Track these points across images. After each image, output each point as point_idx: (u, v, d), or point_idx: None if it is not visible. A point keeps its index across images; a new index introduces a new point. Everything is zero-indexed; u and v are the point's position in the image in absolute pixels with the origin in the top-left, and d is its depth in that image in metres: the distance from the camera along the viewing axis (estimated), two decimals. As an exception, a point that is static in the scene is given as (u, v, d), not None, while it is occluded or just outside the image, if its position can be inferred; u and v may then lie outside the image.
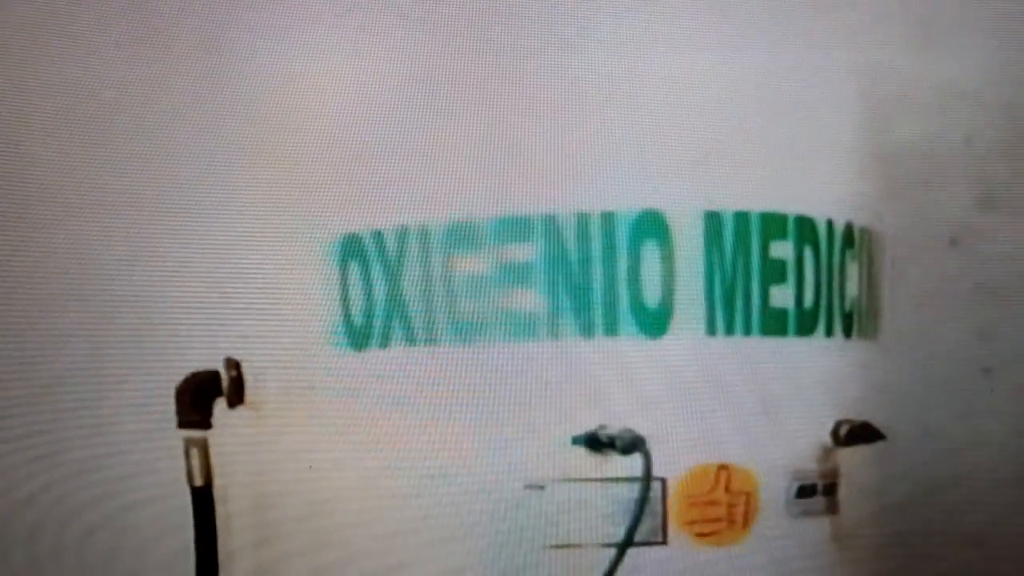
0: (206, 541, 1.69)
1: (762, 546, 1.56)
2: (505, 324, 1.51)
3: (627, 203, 1.49)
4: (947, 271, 1.78)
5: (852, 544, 1.61)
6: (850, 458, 1.60)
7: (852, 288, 1.62)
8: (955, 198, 1.82)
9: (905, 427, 1.61)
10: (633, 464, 1.51)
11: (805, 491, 1.57)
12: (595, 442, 1.51)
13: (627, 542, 1.51)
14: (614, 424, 1.51)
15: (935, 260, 1.78)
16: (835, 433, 1.57)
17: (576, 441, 1.51)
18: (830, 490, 1.60)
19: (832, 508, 1.60)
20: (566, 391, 1.52)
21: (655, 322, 1.51)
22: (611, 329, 1.51)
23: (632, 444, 1.49)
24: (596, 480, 1.52)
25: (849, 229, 1.61)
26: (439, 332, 1.53)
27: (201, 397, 1.68)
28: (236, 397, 1.67)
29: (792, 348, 1.56)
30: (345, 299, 1.58)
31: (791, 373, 1.56)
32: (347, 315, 1.58)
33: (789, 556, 1.58)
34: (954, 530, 1.65)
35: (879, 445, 1.59)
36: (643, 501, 1.51)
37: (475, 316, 1.51)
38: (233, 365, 1.66)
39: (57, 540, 1.68)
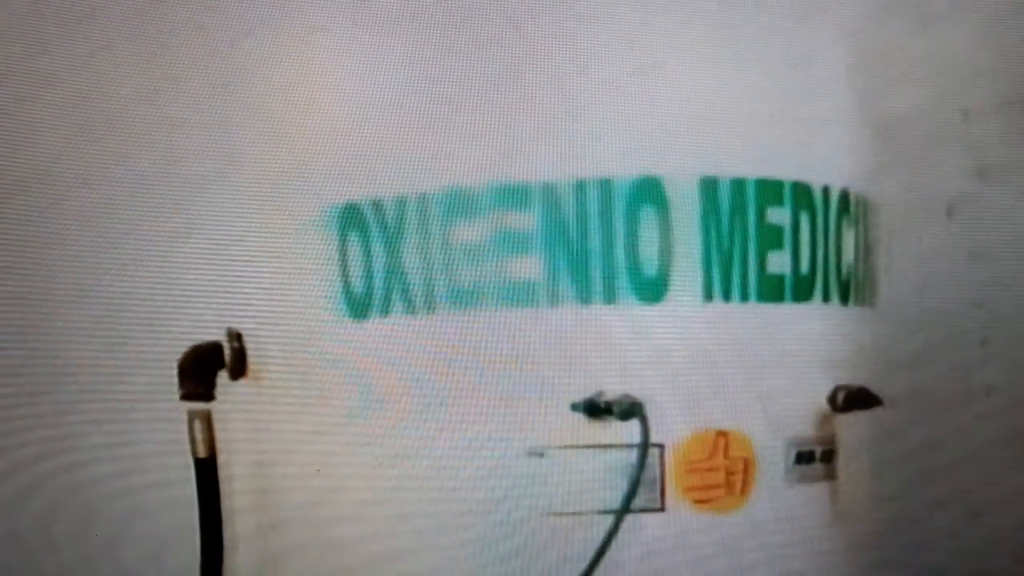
0: (210, 512, 1.69)
1: (760, 512, 1.57)
2: (503, 291, 1.52)
3: (624, 170, 1.49)
4: (943, 240, 1.79)
5: (850, 509, 1.62)
6: (848, 424, 1.61)
7: (848, 255, 1.63)
8: (951, 168, 1.82)
9: (902, 391, 1.62)
10: (631, 430, 1.52)
11: (803, 457, 1.58)
12: (593, 408, 1.51)
13: (625, 509, 1.52)
14: (612, 390, 1.51)
15: (931, 229, 1.78)
16: (832, 399, 1.58)
17: (574, 407, 1.52)
18: (828, 456, 1.60)
19: (830, 474, 1.60)
20: (564, 358, 1.52)
21: (652, 288, 1.52)
22: (609, 296, 1.51)
23: (630, 410, 1.49)
24: (594, 447, 1.53)
25: (845, 196, 1.62)
26: (438, 300, 1.54)
27: (203, 369, 1.68)
28: (238, 368, 1.67)
29: (789, 314, 1.57)
30: (345, 269, 1.59)
31: (788, 339, 1.57)
32: (347, 285, 1.59)
33: (787, 522, 1.59)
34: (949, 493, 1.66)
35: (876, 410, 1.60)
36: (641, 467, 1.51)
37: (474, 284, 1.52)
38: (235, 336, 1.66)
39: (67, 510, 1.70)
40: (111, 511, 1.71)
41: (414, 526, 1.58)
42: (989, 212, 1.81)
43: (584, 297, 1.51)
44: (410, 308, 1.55)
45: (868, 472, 1.64)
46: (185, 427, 1.67)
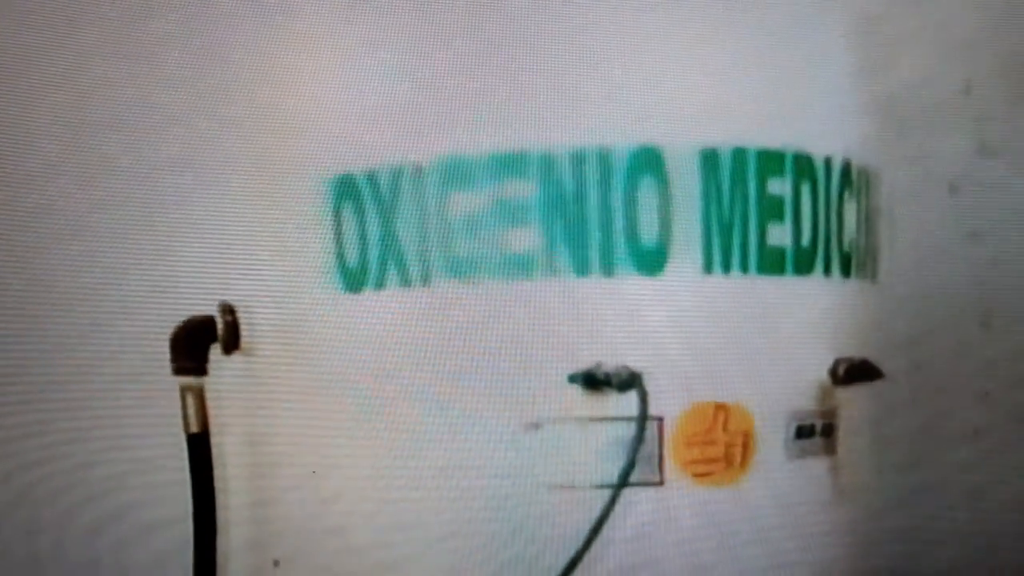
0: (203, 487, 1.68)
1: (760, 486, 1.56)
2: (501, 263, 1.50)
3: (624, 140, 1.48)
4: (946, 217, 1.77)
5: (850, 484, 1.61)
6: (848, 398, 1.59)
7: (850, 227, 1.61)
8: (955, 145, 1.81)
9: (903, 366, 1.60)
10: (630, 403, 1.50)
11: (803, 431, 1.56)
12: (591, 380, 1.49)
13: (623, 482, 1.50)
14: (610, 362, 1.49)
15: (934, 205, 1.77)
16: (834, 372, 1.56)
17: (572, 379, 1.50)
18: (828, 431, 1.59)
19: (830, 448, 1.59)
20: (562, 329, 1.51)
21: (652, 259, 1.50)
22: (608, 267, 1.50)
23: (628, 381, 1.48)
24: (593, 419, 1.51)
25: (847, 168, 1.60)
26: (434, 272, 1.52)
27: (196, 343, 1.67)
28: (231, 343, 1.66)
29: (790, 287, 1.55)
30: (339, 241, 1.57)
31: (789, 312, 1.55)
32: (341, 257, 1.57)
33: (787, 496, 1.57)
34: (949, 471, 1.64)
35: (877, 384, 1.58)
36: (639, 439, 1.50)
37: (471, 255, 1.50)
38: (228, 310, 1.65)
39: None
40: (102, 491, 1.70)
41: (410, 499, 1.57)
42: (992, 190, 1.79)
43: (582, 269, 1.49)
44: (405, 280, 1.54)
45: (868, 447, 1.62)
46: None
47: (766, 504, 1.57)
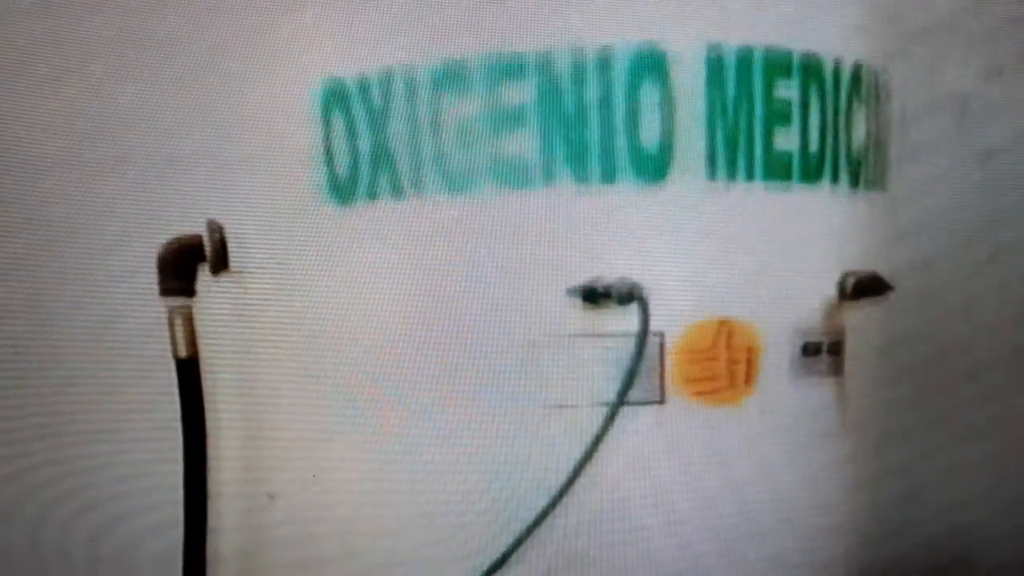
0: (192, 413, 1.63)
1: (764, 406, 1.51)
2: (497, 172, 1.44)
3: (625, 39, 1.41)
4: (956, 133, 1.72)
5: (856, 404, 1.55)
6: (856, 315, 1.54)
7: (859, 135, 1.55)
8: (966, 63, 1.75)
9: (912, 281, 1.54)
10: (631, 319, 1.45)
11: (809, 349, 1.51)
12: (591, 294, 1.44)
13: (621, 399, 1.45)
14: (610, 275, 1.44)
15: (944, 121, 1.71)
16: (841, 286, 1.50)
17: (571, 293, 1.44)
18: (835, 348, 1.53)
19: (837, 368, 1.53)
20: (561, 241, 1.45)
21: (654, 167, 1.44)
22: (608, 175, 1.44)
23: (629, 293, 1.42)
24: (593, 336, 1.46)
25: (857, 72, 1.54)
26: (428, 183, 1.46)
27: (183, 263, 1.62)
28: (220, 262, 1.60)
29: (796, 196, 1.49)
30: (329, 152, 1.51)
31: (796, 223, 1.50)
32: (331, 169, 1.51)
33: (792, 417, 1.52)
34: (954, 404, 1.59)
35: (886, 303, 1.53)
36: (639, 354, 1.44)
37: (465, 164, 1.44)
38: (216, 228, 1.59)
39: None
40: (92, 424, 1.64)
41: (407, 425, 1.52)
42: (1002, 110, 1.74)
43: (581, 177, 1.43)
44: (397, 191, 1.48)
45: (875, 366, 1.57)
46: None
47: (770, 424, 1.51)
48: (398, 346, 1.50)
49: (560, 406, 1.48)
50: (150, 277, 1.59)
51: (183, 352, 1.62)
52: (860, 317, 1.54)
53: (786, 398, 1.51)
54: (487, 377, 1.48)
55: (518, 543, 1.45)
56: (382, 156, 1.47)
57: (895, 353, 1.57)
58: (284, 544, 1.62)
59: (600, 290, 1.43)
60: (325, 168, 1.51)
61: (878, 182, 1.59)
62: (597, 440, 1.46)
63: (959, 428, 1.66)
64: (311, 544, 1.60)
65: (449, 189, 1.45)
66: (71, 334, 1.63)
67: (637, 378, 1.46)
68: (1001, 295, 1.69)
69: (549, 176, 1.44)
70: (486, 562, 1.45)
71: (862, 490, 1.55)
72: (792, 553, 1.51)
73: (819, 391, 1.53)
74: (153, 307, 1.60)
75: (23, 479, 1.63)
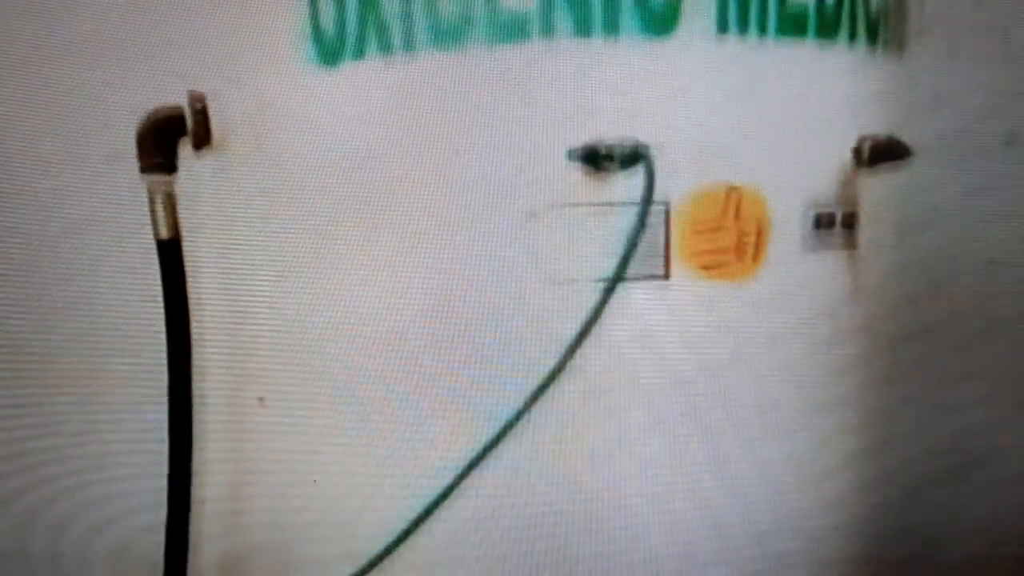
0: (175, 298, 1.55)
1: (773, 283, 1.43)
2: (492, 24, 1.34)
3: None
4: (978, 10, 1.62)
5: (869, 281, 1.47)
6: (871, 186, 1.45)
7: (879, -10, 1.46)
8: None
9: (931, 147, 1.46)
10: (634, 188, 1.36)
11: (822, 221, 1.43)
12: (593, 155, 1.35)
13: (621, 270, 1.37)
14: (613, 136, 1.35)
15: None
16: (857, 151, 1.42)
17: (571, 155, 1.36)
18: (849, 221, 1.45)
19: (851, 243, 1.45)
20: (560, 100, 1.36)
21: (660, 18, 1.35)
22: (611, 27, 1.34)
23: (633, 154, 1.34)
24: (594, 205, 1.37)
25: (878, -80, 1.45)
26: (419, 37, 1.36)
27: (164, 136, 1.53)
28: (202, 135, 1.52)
29: (812, 53, 1.40)
30: (313, 5, 1.41)
31: (811, 82, 1.41)
32: (316, 25, 1.42)
33: (802, 293, 1.44)
34: (968, 261, 1.50)
35: (900, 173, 1.44)
36: (643, 221, 1.36)
37: (459, 14, 1.35)
38: (198, 99, 1.50)
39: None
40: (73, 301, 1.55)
41: (397, 309, 1.44)
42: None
43: (583, 28, 1.34)
44: (386, 48, 1.38)
45: (891, 241, 1.48)
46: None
47: (779, 301, 1.44)
48: (387, 211, 1.42)
49: (558, 281, 1.39)
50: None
51: (164, 233, 1.54)
52: (876, 189, 1.46)
53: (796, 273, 1.43)
54: (481, 247, 1.40)
55: (518, 416, 1.37)
56: (370, 10, 1.38)
57: (910, 231, 1.48)
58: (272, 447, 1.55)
59: (602, 151, 1.34)
60: (310, 27, 1.42)
61: (897, 45, 1.50)
62: (595, 316, 1.38)
63: (971, 293, 1.57)
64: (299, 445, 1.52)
65: (440, 43, 1.36)
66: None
67: (639, 250, 1.38)
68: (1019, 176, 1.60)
69: (548, 29, 1.34)
70: (483, 438, 1.38)
71: (873, 358, 1.47)
72: (799, 426, 1.44)
73: (832, 263, 1.44)
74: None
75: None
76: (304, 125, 1.45)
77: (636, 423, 1.40)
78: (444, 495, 1.41)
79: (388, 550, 1.44)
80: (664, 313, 1.41)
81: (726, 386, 1.43)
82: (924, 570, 1.55)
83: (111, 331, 1.56)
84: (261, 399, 1.56)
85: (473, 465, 1.41)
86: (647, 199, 1.35)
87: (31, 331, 1.54)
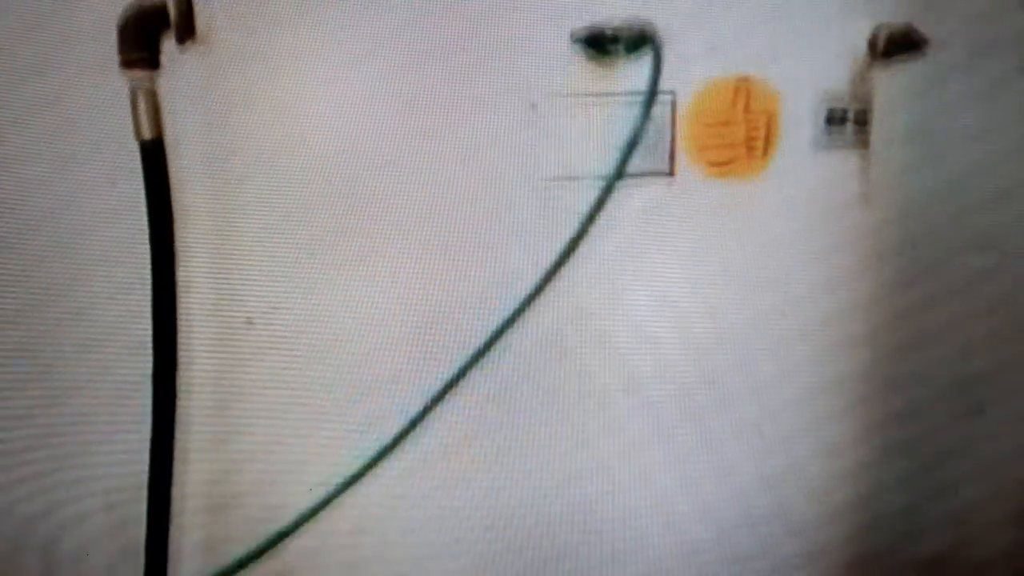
0: (158, 201, 1.49)
1: (782, 181, 1.37)
2: None
3: None
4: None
5: (882, 182, 1.42)
6: (886, 81, 1.40)
7: None
8: None
9: (947, 40, 1.40)
10: (639, 79, 1.31)
11: (834, 117, 1.37)
12: (597, 40, 1.29)
13: (623, 164, 1.31)
14: (619, 17, 1.30)
15: None
16: (872, 42, 1.36)
17: (575, 38, 1.30)
18: (862, 118, 1.39)
19: (863, 141, 1.40)
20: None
21: None
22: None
23: (640, 38, 1.28)
24: (598, 95, 1.32)
25: None
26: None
27: (145, 30, 1.47)
28: (186, 28, 1.46)
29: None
30: None
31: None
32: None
33: (812, 193, 1.39)
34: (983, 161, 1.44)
35: (917, 68, 1.39)
36: (647, 110, 1.30)
37: None
38: (180, -11, 1.44)
39: None
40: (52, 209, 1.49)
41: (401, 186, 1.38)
42: None
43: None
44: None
45: (903, 140, 1.43)
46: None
47: (788, 201, 1.38)
48: (380, 104, 1.36)
49: (558, 178, 1.34)
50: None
51: (147, 133, 1.48)
52: (890, 85, 1.40)
53: (808, 170, 1.37)
54: (480, 142, 1.34)
55: (519, 311, 1.32)
56: None
57: (924, 129, 1.43)
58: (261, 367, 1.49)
59: (608, 34, 1.29)
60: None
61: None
62: (596, 208, 1.33)
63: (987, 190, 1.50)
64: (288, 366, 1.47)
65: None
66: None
67: (643, 143, 1.32)
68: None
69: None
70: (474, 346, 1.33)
71: (884, 262, 1.41)
72: (814, 326, 1.39)
73: (844, 162, 1.39)
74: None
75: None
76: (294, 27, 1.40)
77: (644, 309, 1.35)
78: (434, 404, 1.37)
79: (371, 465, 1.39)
80: (669, 210, 1.36)
81: (732, 287, 1.38)
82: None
83: (93, 241, 1.50)
84: (249, 319, 1.51)
85: (461, 375, 1.36)
86: (653, 86, 1.29)
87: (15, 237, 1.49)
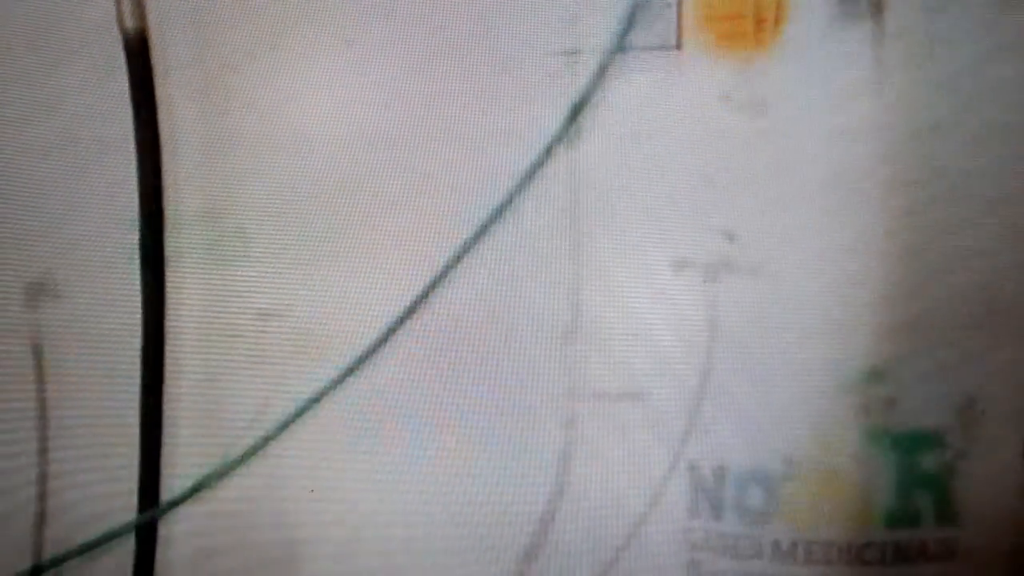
0: (143, 97, 1.46)
1: (794, 55, 1.31)
2: None
3: None
4: None
5: (900, 54, 1.34)
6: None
7: None
8: None
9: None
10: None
11: (848, -14, 1.31)
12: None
13: (624, 35, 1.26)
14: None
15: None
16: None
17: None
18: (878, -11, 1.33)
19: (878, 6, 1.33)
20: None
21: None
22: None
23: None
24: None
25: None
26: None
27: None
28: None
29: None
30: None
31: None
32: None
33: (825, 68, 1.32)
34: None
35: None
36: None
37: None
38: None
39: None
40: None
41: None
42: None
43: None
44: None
45: (921, 19, 1.36)
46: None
47: (802, 77, 1.32)
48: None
49: (557, 53, 1.29)
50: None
51: (129, 24, 1.44)
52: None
53: (821, 43, 1.31)
54: (479, 26, 1.30)
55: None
56: None
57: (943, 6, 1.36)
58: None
59: None
60: None
61: None
62: (589, 92, 1.27)
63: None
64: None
65: None
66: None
67: (647, 13, 1.27)
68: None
69: None
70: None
71: (902, 144, 1.34)
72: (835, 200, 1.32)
73: (858, 35, 1.32)
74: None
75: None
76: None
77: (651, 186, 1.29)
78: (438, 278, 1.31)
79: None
80: (674, 87, 1.30)
81: (738, 170, 1.32)
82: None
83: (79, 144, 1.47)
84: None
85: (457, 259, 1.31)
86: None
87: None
